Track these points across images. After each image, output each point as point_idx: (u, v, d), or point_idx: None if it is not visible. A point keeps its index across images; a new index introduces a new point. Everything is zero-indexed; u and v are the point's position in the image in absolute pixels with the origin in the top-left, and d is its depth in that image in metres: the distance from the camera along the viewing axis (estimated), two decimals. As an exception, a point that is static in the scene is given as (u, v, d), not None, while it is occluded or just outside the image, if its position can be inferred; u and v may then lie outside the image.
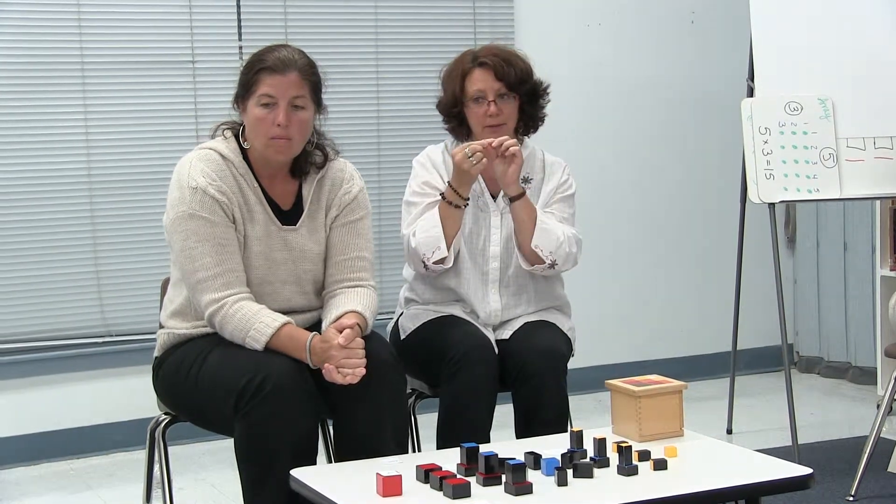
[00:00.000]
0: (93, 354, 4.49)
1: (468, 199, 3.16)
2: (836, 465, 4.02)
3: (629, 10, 5.33)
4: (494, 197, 3.28)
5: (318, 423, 2.93)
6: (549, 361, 3.08)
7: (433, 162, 3.31)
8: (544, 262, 3.21)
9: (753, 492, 2.43)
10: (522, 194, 3.17)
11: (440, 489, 2.34)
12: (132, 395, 4.34)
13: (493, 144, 3.08)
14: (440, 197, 3.16)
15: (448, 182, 3.15)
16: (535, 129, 3.38)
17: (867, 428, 3.81)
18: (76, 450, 4.46)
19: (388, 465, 2.49)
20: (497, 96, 3.23)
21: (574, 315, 3.41)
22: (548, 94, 3.35)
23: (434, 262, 3.16)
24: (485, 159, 3.07)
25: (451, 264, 3.20)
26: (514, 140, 3.12)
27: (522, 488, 2.32)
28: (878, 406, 3.83)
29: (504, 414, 3.12)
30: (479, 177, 3.21)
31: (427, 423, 3.19)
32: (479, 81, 3.24)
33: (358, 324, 2.79)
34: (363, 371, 2.71)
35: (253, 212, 2.87)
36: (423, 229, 3.15)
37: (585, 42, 5.26)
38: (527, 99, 3.29)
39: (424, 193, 3.25)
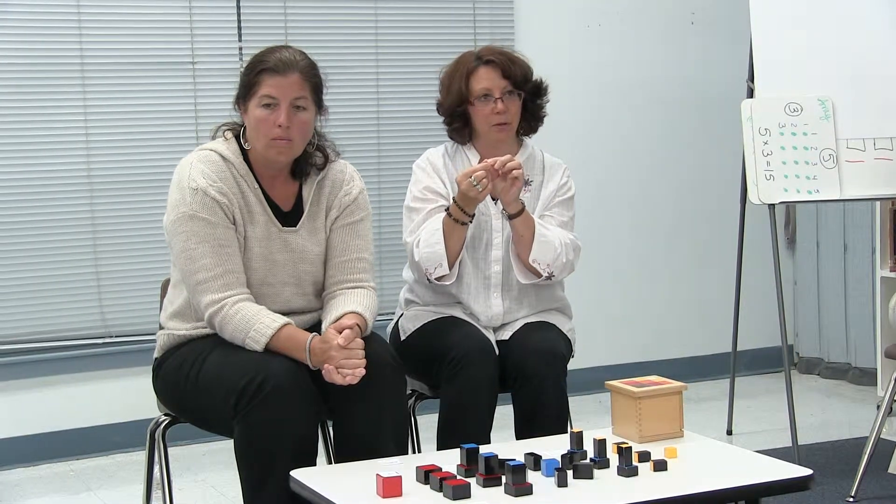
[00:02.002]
0: (93, 355, 4.49)
1: (473, 215, 3.14)
2: (836, 465, 4.02)
3: (629, 11, 5.33)
4: (495, 200, 3.27)
5: (318, 423, 2.93)
6: (549, 362, 3.07)
7: (434, 166, 3.30)
8: (542, 275, 3.20)
9: (753, 493, 2.43)
10: (522, 210, 3.16)
11: (440, 490, 2.34)
12: (132, 397, 4.34)
13: (496, 166, 3.05)
14: (444, 211, 3.14)
15: (454, 198, 3.13)
16: (536, 130, 3.37)
17: (867, 429, 3.81)
18: (76, 451, 4.46)
19: (388, 465, 2.49)
20: (504, 94, 3.23)
21: (574, 316, 3.41)
22: (547, 92, 3.35)
23: (436, 278, 3.17)
24: (490, 184, 3.05)
25: (454, 280, 3.19)
26: (519, 162, 3.09)
27: (522, 489, 2.32)
28: (878, 407, 3.83)
29: (504, 415, 3.12)
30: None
31: (427, 423, 3.19)
32: (486, 80, 3.23)
33: (357, 324, 2.79)
34: (363, 372, 2.70)
35: (253, 213, 2.87)
36: (427, 243, 3.14)
37: (585, 42, 5.26)
38: (529, 97, 3.29)
39: (426, 199, 3.24)
